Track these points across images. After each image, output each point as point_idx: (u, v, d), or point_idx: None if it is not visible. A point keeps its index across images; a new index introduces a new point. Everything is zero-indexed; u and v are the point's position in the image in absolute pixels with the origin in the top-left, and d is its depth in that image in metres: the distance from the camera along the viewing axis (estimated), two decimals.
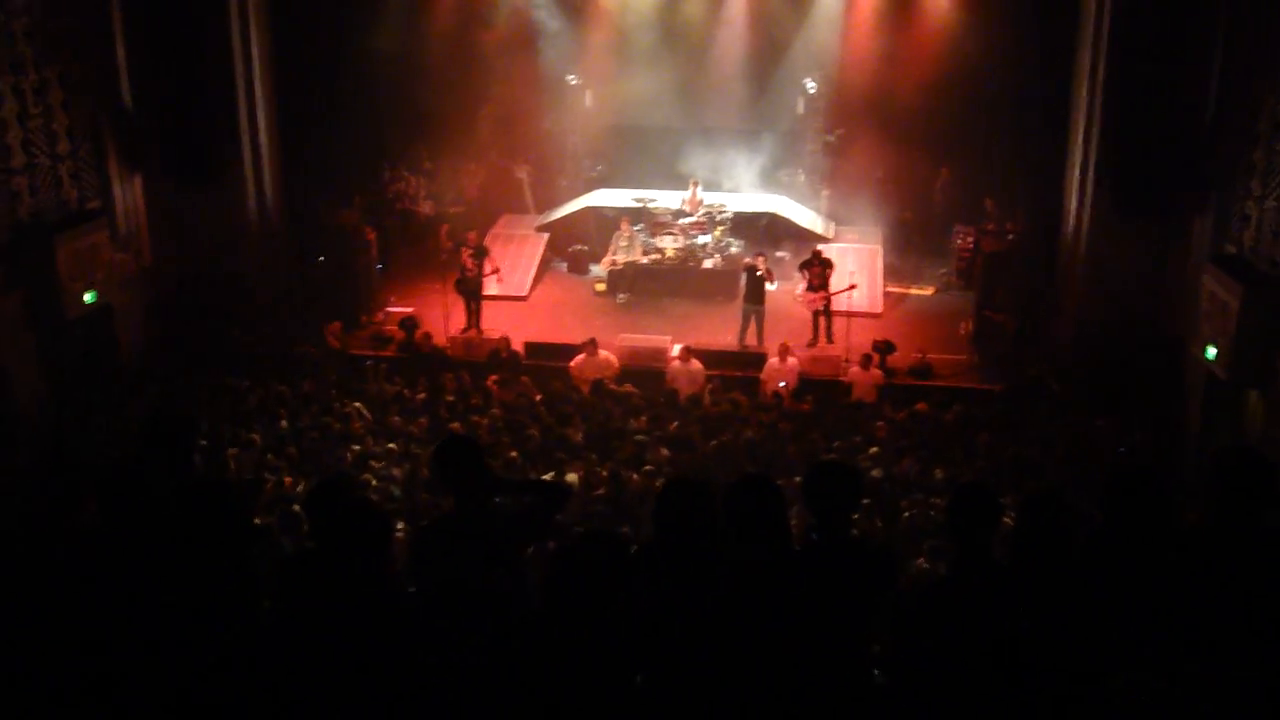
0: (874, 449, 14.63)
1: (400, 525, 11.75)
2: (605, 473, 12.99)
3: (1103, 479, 5.48)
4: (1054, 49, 20.22)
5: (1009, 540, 5.61)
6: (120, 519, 5.50)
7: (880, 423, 16.07)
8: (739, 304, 20.34)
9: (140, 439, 6.14)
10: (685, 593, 5.01)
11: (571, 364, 18.23)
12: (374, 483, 12.81)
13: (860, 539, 8.99)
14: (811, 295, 19.83)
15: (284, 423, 15.10)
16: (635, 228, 22.71)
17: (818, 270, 19.82)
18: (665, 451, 14.07)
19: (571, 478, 12.62)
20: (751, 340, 19.87)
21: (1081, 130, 18.98)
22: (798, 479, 12.82)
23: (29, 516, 5.76)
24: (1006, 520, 6.13)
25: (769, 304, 20.14)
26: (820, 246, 21.31)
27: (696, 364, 18.19)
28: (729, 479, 11.11)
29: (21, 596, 5.12)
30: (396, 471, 13.29)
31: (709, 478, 12.57)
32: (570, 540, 5.38)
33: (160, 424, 6.38)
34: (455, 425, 14.86)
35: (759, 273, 19.77)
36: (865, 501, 11.98)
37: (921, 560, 10.20)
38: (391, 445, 14.08)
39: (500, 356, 18.67)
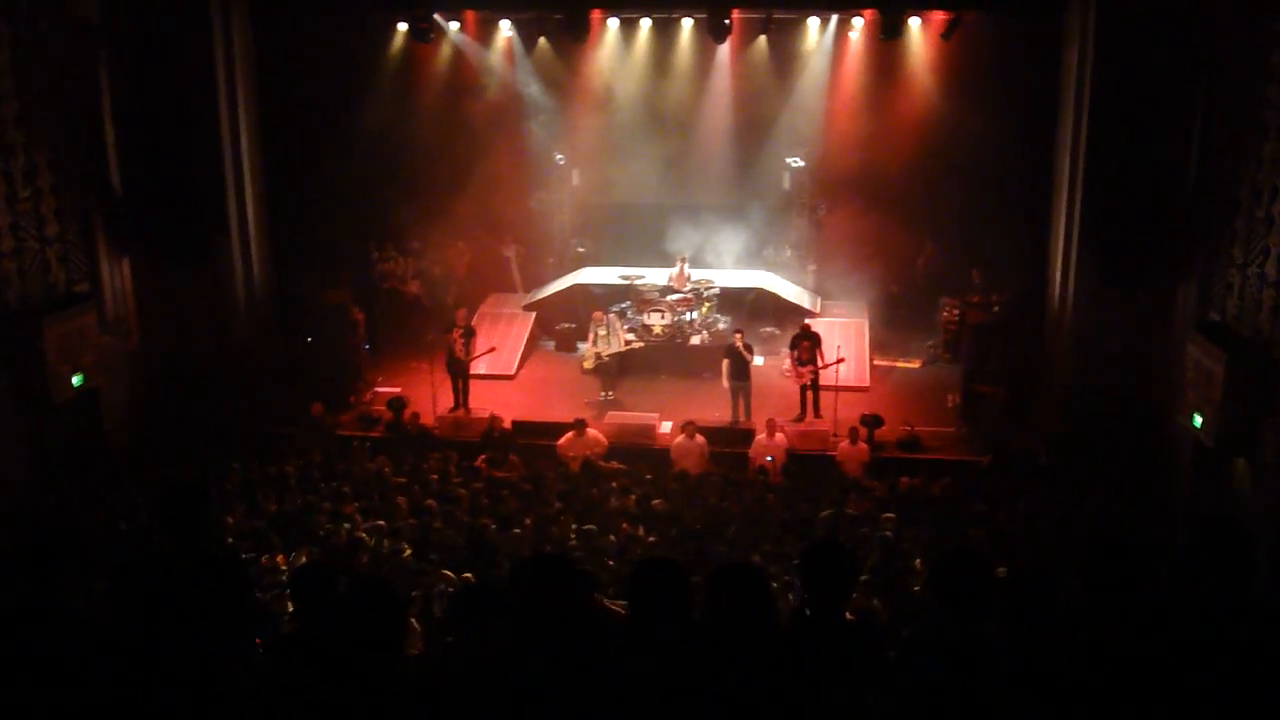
0: (887, 515, 14.62)
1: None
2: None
3: (1086, 551, 5.43)
4: (1037, 121, 20.40)
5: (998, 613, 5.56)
6: (132, 599, 5.48)
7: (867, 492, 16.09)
8: (723, 382, 20.20)
9: (155, 513, 6.04)
10: (664, 676, 4.94)
11: (560, 443, 18.22)
12: (366, 559, 12.81)
13: (855, 619, 8.89)
14: (800, 370, 19.81)
15: (274, 505, 15.05)
16: (615, 309, 22.67)
17: (806, 345, 19.81)
18: (643, 531, 14.04)
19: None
20: (740, 414, 19.88)
21: (1064, 201, 19.11)
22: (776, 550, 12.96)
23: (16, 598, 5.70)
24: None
25: (756, 380, 20.19)
26: (807, 321, 21.32)
27: (701, 439, 18.18)
28: (717, 555, 11.00)
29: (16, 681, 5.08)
30: (387, 543, 13.24)
31: (694, 555, 12.59)
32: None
33: (173, 498, 6.29)
34: (431, 502, 14.82)
35: (738, 349, 19.82)
36: (864, 579, 11.90)
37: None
38: (381, 522, 14.00)
39: (493, 435, 18.63)
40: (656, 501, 15.13)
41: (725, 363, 20.03)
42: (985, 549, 13.35)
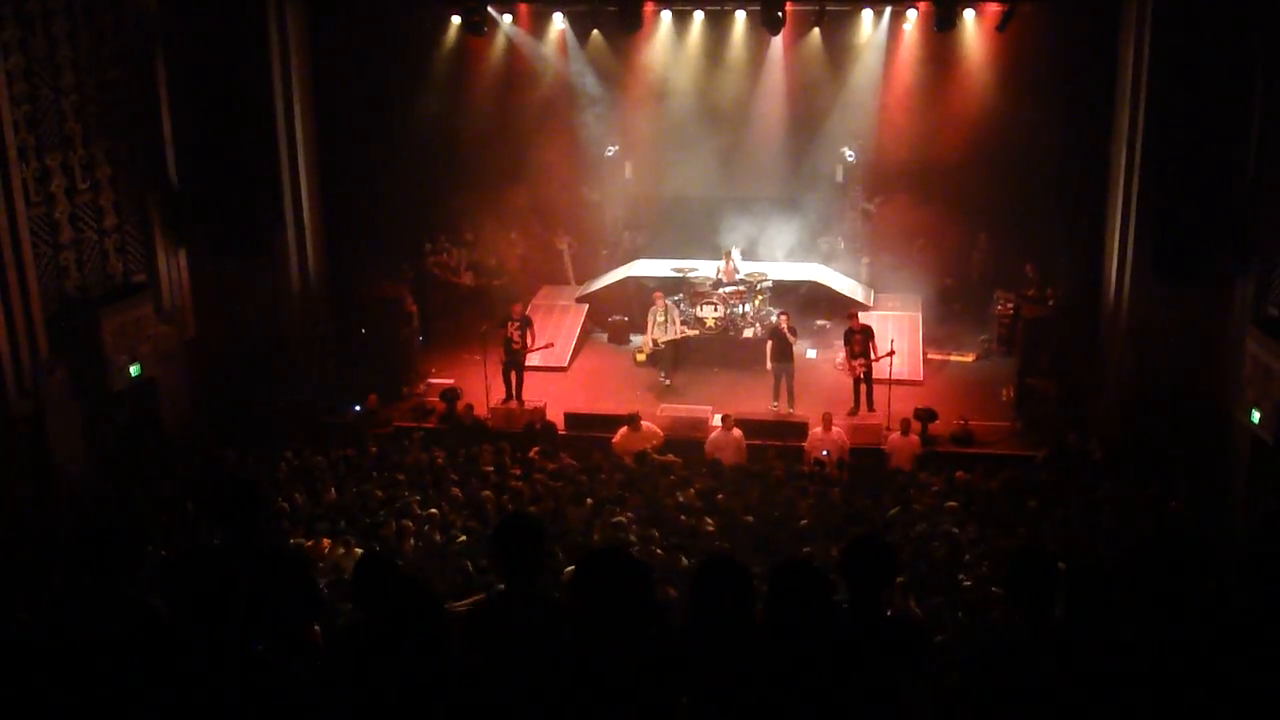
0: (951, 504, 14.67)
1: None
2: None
3: (1137, 548, 5.38)
4: (1092, 114, 20.24)
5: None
6: (185, 588, 5.53)
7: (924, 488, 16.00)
8: (766, 364, 20.18)
9: (205, 508, 6.10)
10: (721, 670, 4.94)
11: (614, 440, 18.16)
12: (412, 542, 12.92)
13: (895, 614, 8.83)
14: (853, 363, 19.72)
15: (327, 494, 15.16)
16: (671, 299, 22.59)
17: (859, 338, 19.73)
18: (709, 522, 14.02)
19: None
20: (783, 401, 19.87)
21: (1121, 194, 18.95)
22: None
23: (76, 586, 5.77)
24: None
25: (809, 374, 20.11)
26: (860, 314, 21.17)
27: (738, 432, 18.09)
28: (777, 549, 10.89)
29: (76, 668, 5.13)
30: (438, 537, 13.31)
31: (753, 549, 12.56)
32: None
33: (223, 493, 6.35)
34: (487, 494, 14.87)
35: (781, 330, 19.82)
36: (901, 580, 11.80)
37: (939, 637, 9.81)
38: (434, 510, 14.09)
39: (535, 428, 18.64)
40: (720, 497, 15.13)
41: (769, 344, 20.04)
42: (1040, 544, 13.28)
